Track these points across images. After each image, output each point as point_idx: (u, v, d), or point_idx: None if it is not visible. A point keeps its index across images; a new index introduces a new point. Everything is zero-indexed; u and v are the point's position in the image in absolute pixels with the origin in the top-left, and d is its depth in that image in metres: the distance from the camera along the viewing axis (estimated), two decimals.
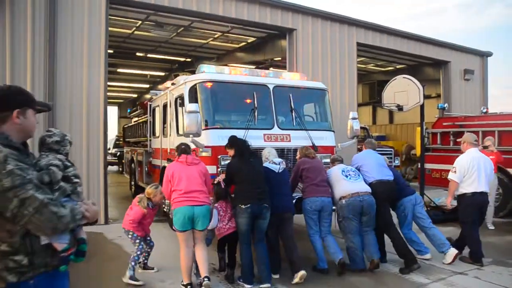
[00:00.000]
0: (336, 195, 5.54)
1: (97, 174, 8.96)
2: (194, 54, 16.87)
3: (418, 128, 10.66)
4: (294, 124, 6.64)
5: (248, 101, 6.38)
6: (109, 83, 23.81)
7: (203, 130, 5.97)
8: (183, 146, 5.20)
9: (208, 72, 6.64)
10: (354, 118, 7.13)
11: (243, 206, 4.86)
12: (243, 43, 15.09)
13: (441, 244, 5.82)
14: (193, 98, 6.34)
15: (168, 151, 7.95)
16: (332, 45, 12.66)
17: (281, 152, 6.23)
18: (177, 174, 4.88)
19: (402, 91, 9.07)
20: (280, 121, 6.55)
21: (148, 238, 5.67)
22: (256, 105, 6.27)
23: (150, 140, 9.71)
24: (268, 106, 6.50)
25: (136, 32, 13.30)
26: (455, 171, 5.85)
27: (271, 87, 6.61)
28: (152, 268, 5.75)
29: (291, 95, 6.67)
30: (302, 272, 4.98)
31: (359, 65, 18.63)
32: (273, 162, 5.44)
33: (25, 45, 8.29)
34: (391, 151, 14.71)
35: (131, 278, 5.23)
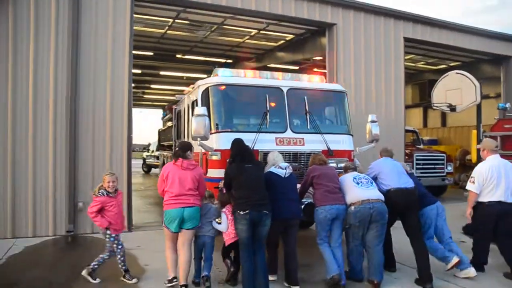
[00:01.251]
0: (347, 202, 5.36)
1: (120, 178, 8.45)
2: (232, 54, 16.42)
3: (474, 131, 9.48)
4: (309, 127, 6.43)
5: (268, 104, 6.20)
6: (152, 86, 24.69)
7: (214, 133, 5.96)
8: (179, 151, 5.25)
9: (222, 75, 6.51)
10: (373, 121, 6.90)
11: (241, 213, 4.80)
12: (282, 41, 14.39)
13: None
14: (206, 102, 6.28)
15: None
16: (376, 41, 11.63)
17: (294, 156, 6.13)
18: (171, 176, 5.06)
19: (455, 89, 7.96)
20: (293, 124, 6.38)
21: (120, 242, 5.48)
22: (268, 108, 6.14)
23: (175, 143, 9.40)
24: (281, 109, 6.34)
25: (169, 32, 13.01)
26: (473, 181, 5.66)
27: (285, 89, 6.46)
28: (131, 279, 5.49)
29: (306, 97, 6.49)
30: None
31: (407, 63, 17.41)
32: (279, 166, 5.33)
33: (48, 45, 8.12)
34: (443, 156, 13.42)
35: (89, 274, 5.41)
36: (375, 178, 5.70)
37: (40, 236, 7.92)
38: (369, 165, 6.06)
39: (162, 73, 20.37)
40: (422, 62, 18.31)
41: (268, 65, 17.28)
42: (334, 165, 6.22)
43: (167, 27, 12.41)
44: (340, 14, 11.09)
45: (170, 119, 11.89)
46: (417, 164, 12.73)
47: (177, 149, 5.38)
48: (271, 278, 5.21)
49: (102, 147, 8.47)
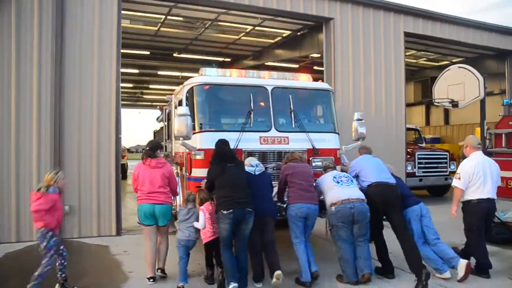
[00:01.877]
0: (327, 202, 5.29)
1: (108, 181, 8.25)
2: (228, 52, 16.09)
3: (478, 129, 9.04)
4: (294, 126, 6.37)
5: (253, 103, 6.18)
6: (151, 86, 24.39)
7: (197, 133, 5.97)
8: (148, 150, 5.53)
9: (207, 75, 6.47)
10: (358, 120, 6.81)
11: (225, 212, 4.84)
12: (279, 38, 14.04)
13: (450, 259, 5.37)
14: (191, 101, 6.28)
15: (173, 154, 7.59)
16: (375, 36, 11.22)
17: (278, 155, 6.14)
18: (141, 176, 5.39)
19: (458, 83, 7.53)
20: (278, 123, 6.35)
21: (62, 247, 5.08)
22: (252, 107, 6.12)
23: (165, 144, 9.16)
24: (266, 108, 6.31)
25: (162, 29, 12.68)
26: (459, 178, 5.58)
27: (269, 88, 6.40)
28: None
29: (291, 96, 6.44)
30: (277, 272, 4.89)
31: (408, 60, 17.06)
32: (250, 165, 5.39)
33: (31, 43, 7.78)
34: (446, 155, 13.03)
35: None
36: (356, 177, 5.69)
37: (24, 242, 7.57)
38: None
39: (160, 72, 20.09)
40: (423, 59, 17.92)
41: (266, 63, 17.03)
42: (319, 163, 6.30)
43: (159, 24, 12.09)
44: (338, 8, 10.69)
45: (162, 120, 11.59)
46: (419, 163, 12.37)
47: (147, 148, 5.64)
48: (257, 285, 5.14)
49: (88, 148, 8.12)
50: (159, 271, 5.49)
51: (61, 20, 7.90)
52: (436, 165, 12.72)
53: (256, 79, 6.62)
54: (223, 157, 5.15)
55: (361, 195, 5.24)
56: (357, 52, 10.95)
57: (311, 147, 6.28)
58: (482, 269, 5.47)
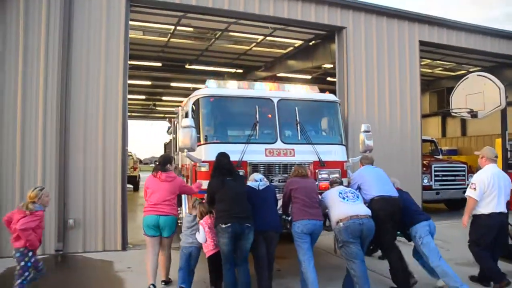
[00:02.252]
0: (333, 218, 5.13)
1: (113, 193, 8.07)
2: (240, 63, 15.94)
3: (498, 140, 8.64)
4: (299, 138, 6.34)
5: (258, 115, 6.18)
6: (164, 98, 24.39)
7: (202, 145, 5.98)
8: (158, 165, 5.71)
9: (212, 86, 6.53)
10: (366, 131, 6.80)
11: (223, 226, 4.80)
12: (290, 48, 13.83)
13: (447, 277, 5.11)
14: (196, 113, 6.34)
15: (180, 166, 7.53)
16: (389, 45, 10.92)
17: (284, 167, 6.12)
18: (151, 188, 5.56)
19: (477, 93, 7.16)
20: (284, 135, 6.34)
21: (40, 263, 4.99)
22: (258, 119, 6.12)
23: (174, 156, 9.01)
24: (271, 120, 6.31)
25: (173, 40, 12.57)
26: (474, 188, 5.44)
27: (275, 100, 6.40)
28: None
29: (297, 108, 6.43)
30: None
31: (423, 70, 16.64)
32: (254, 179, 5.36)
33: (38, 53, 7.73)
34: (464, 167, 12.55)
35: None
36: (358, 189, 5.61)
37: None
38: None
39: (172, 84, 20.00)
40: (439, 68, 17.47)
41: (278, 75, 16.89)
42: (325, 176, 6.28)
43: (169, 35, 11.98)
44: (350, 17, 10.45)
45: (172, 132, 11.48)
46: (435, 175, 11.94)
47: (157, 163, 5.81)
48: None
49: (94, 160, 7.97)
50: (163, 283, 5.61)
51: (68, 28, 7.84)
52: (453, 177, 12.27)
53: (262, 91, 6.62)
54: (222, 170, 5.16)
55: (368, 212, 5.12)
56: (370, 62, 10.66)
57: (317, 159, 6.24)
58: (487, 277, 5.45)
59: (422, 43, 11.37)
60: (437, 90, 20.54)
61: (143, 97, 24.29)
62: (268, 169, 5.98)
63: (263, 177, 5.50)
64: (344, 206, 5.09)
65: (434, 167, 12.03)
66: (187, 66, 16.40)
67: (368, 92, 10.58)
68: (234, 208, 4.88)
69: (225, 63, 15.97)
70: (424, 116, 15.62)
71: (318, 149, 6.29)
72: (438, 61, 15.88)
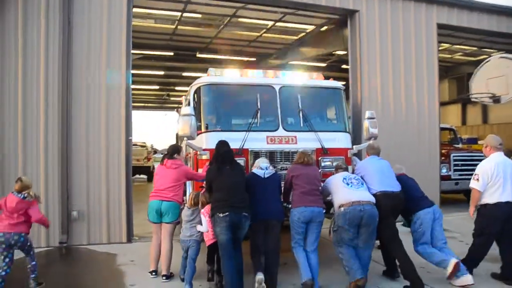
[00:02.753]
0: (336, 203, 5.15)
1: (117, 184, 7.89)
2: (251, 50, 15.58)
3: None
4: (302, 125, 6.28)
5: (259, 102, 6.12)
6: (177, 88, 24.25)
7: (203, 133, 5.98)
8: (167, 154, 5.83)
9: (214, 74, 6.45)
10: (370, 118, 6.60)
11: (221, 215, 4.75)
12: (302, 34, 13.37)
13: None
14: (198, 101, 6.32)
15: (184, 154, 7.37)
16: (405, 29, 10.37)
17: (286, 155, 6.07)
18: (158, 175, 5.72)
19: (499, 76, 6.66)
20: (286, 123, 6.27)
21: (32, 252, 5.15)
22: (259, 107, 6.06)
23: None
24: (273, 107, 6.23)
25: (180, 27, 12.26)
26: (477, 179, 5.33)
27: (277, 87, 6.34)
28: None
29: (299, 95, 6.37)
30: (258, 277, 4.79)
31: (442, 55, 15.98)
32: (259, 167, 5.29)
33: (38, 40, 7.55)
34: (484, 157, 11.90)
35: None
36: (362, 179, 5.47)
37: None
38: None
39: (185, 74, 19.77)
40: (459, 53, 16.74)
41: (291, 62, 16.49)
42: (329, 163, 6.21)
43: (176, 22, 11.67)
44: (364, 0, 9.94)
45: None
46: (455, 165, 11.42)
47: (166, 152, 5.93)
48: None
49: (97, 151, 7.79)
50: (163, 278, 5.51)
51: (68, 18, 7.62)
52: (473, 167, 11.60)
53: (263, 78, 6.53)
54: (220, 159, 5.10)
55: (372, 198, 5.06)
56: (385, 47, 10.15)
57: (320, 147, 6.18)
58: (471, 267, 5.31)
59: (440, 26, 10.75)
60: (457, 77, 19.84)
61: (156, 87, 24.20)
62: (270, 157, 5.89)
63: (269, 164, 5.42)
64: (347, 192, 5.06)
65: (453, 156, 11.50)
66: (198, 55, 16.14)
67: (382, 79, 10.09)
68: (232, 197, 4.82)
69: (236, 51, 15.60)
70: (443, 103, 15.06)
71: (321, 136, 6.22)
72: (457, 46, 15.18)
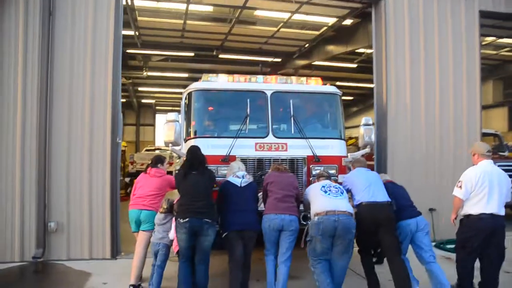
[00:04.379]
0: (312, 212, 5.01)
1: (101, 194, 7.07)
2: (270, 48, 14.79)
3: None
4: (293, 132, 6.21)
5: (249, 108, 6.12)
6: None
7: (190, 139, 6.09)
8: (151, 163, 5.84)
9: (206, 80, 6.48)
10: (366, 125, 6.59)
11: (181, 220, 4.74)
12: (324, 29, 12.30)
13: (438, 284, 5.05)
14: (189, 107, 6.43)
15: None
16: (440, 20, 8.85)
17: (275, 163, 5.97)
18: (139, 183, 5.68)
19: None
20: (276, 129, 6.29)
21: None
22: (248, 112, 6.08)
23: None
24: (264, 113, 6.23)
25: (189, 23, 11.48)
26: (460, 186, 5.15)
27: (269, 93, 6.31)
28: None
29: (292, 101, 6.30)
30: None
31: (486, 51, 14.26)
32: (236, 176, 5.23)
33: (16, 41, 6.94)
34: None
35: None
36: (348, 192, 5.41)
37: (5, 262, 6.63)
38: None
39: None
40: (506, 49, 14.98)
41: (317, 63, 15.87)
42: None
43: (184, 16, 10.86)
44: None
45: None
46: None
47: (150, 162, 5.93)
48: None
49: (79, 155, 7.02)
50: (131, 287, 5.35)
51: (49, 16, 6.97)
52: None
53: (255, 84, 6.50)
54: (188, 164, 5.05)
55: (349, 208, 4.91)
56: (415, 41, 8.68)
57: (312, 154, 6.11)
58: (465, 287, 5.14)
59: (483, 14, 9.12)
60: (503, 77, 18.02)
61: (182, 90, 23.76)
62: (258, 164, 5.90)
63: (246, 173, 5.35)
64: (323, 200, 4.92)
65: (498, 165, 9.92)
66: (215, 53, 15.55)
67: (412, 79, 8.64)
68: (194, 202, 4.78)
69: (255, 50, 14.80)
70: (486, 107, 13.46)
71: (314, 143, 6.16)
72: (505, 39, 13.45)
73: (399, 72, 8.58)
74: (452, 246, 6.33)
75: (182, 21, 11.30)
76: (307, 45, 14.19)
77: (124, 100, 25.17)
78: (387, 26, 8.57)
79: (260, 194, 5.43)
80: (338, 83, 20.15)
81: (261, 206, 5.37)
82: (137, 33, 12.24)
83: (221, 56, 15.82)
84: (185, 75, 18.94)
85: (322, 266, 4.82)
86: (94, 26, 7.15)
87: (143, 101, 28.75)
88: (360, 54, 14.85)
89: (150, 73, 18.13)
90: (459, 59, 8.97)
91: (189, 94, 6.38)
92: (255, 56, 15.90)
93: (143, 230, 5.44)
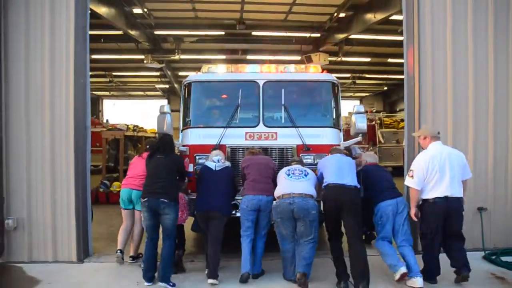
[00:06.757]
0: (275, 196, 5.26)
1: (66, 187, 6.12)
2: (298, 18, 13.48)
3: None
4: (284, 121, 6.31)
5: (241, 98, 6.30)
6: None
7: (185, 129, 6.51)
8: (148, 148, 5.92)
9: (206, 71, 6.76)
10: (358, 113, 6.39)
11: (142, 200, 5.10)
12: None
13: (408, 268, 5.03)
14: (184, 98, 6.73)
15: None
16: None
17: (264, 151, 6.05)
18: (132, 164, 6.09)
19: None
20: (267, 118, 6.38)
21: None
22: (240, 103, 6.24)
23: None
24: (255, 103, 6.37)
25: None
26: (412, 175, 5.12)
27: (261, 82, 6.43)
28: None
29: (284, 90, 6.32)
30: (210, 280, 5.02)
31: None
32: (211, 160, 5.56)
33: None
34: None
35: None
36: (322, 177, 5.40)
37: None
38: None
39: (249, 57, 18.10)
40: None
41: (356, 37, 14.94)
42: (310, 160, 6.13)
43: None
44: None
45: None
46: None
47: (147, 146, 6.03)
48: (210, 281, 5.05)
49: (39, 143, 6.13)
50: (130, 259, 5.84)
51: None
52: None
53: (249, 74, 6.63)
54: (155, 148, 5.36)
55: (306, 190, 5.09)
56: (461, 7, 6.57)
57: (301, 143, 6.17)
58: (430, 275, 5.10)
59: None
60: None
61: None
62: None
63: (222, 157, 5.64)
64: (284, 183, 5.18)
65: None
66: (253, 33, 15.03)
67: (455, 57, 6.54)
68: (154, 183, 5.06)
69: (281, 24, 13.43)
70: None
71: (306, 132, 6.17)
72: None
73: (437, 46, 6.54)
74: (510, 258, 5.84)
75: None
76: (335, 13, 12.78)
77: (167, 86, 24.73)
78: None
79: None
80: (389, 59, 18.35)
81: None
82: (145, 10, 11.25)
83: (254, 33, 15.00)
84: (223, 56, 18.06)
85: (286, 246, 5.14)
86: None
87: None
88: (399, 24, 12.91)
89: (183, 56, 17.23)
90: (503, 37, 6.61)
91: (184, 86, 6.71)
92: (290, 32, 14.97)
93: (138, 210, 5.72)
